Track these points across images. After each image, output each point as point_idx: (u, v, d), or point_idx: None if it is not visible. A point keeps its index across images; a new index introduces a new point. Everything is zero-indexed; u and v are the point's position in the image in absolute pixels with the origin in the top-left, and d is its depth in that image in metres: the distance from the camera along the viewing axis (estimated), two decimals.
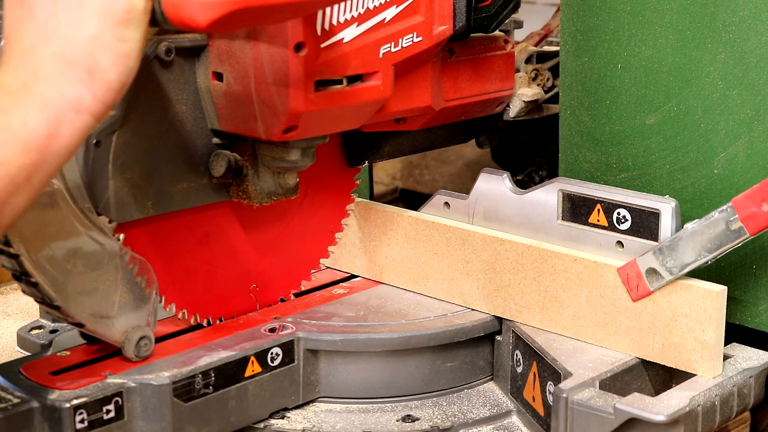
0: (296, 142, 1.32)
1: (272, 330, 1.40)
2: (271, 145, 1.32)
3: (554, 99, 1.60)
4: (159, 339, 1.39)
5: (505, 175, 1.44)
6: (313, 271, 1.53)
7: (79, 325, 1.27)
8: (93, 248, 1.24)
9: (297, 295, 1.52)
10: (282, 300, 1.50)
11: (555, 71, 1.61)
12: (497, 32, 1.53)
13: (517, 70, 1.60)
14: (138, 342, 1.29)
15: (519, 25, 1.66)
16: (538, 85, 1.62)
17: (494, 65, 1.54)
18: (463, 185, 1.50)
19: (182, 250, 1.37)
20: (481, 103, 1.55)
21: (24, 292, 1.23)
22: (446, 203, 1.49)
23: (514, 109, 1.59)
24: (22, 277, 1.21)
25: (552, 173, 1.72)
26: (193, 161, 1.32)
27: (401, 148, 1.59)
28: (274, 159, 1.33)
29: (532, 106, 1.60)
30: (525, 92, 1.58)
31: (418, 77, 1.43)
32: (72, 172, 1.22)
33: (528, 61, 1.62)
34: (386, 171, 2.29)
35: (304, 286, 1.53)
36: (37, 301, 1.25)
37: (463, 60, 1.50)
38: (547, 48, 1.69)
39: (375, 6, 1.32)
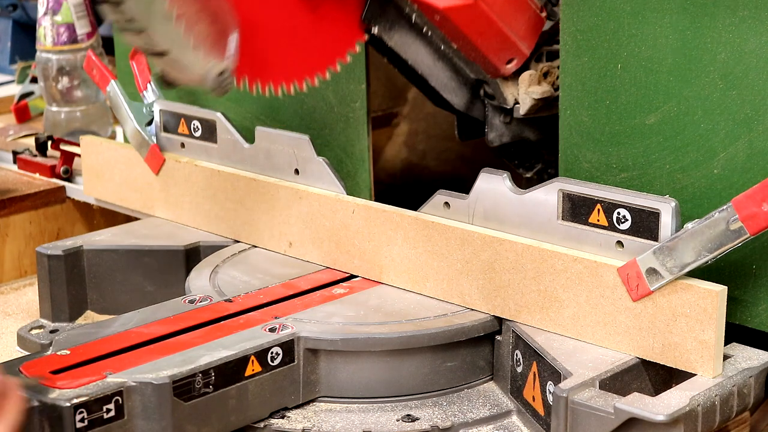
0: None
1: (272, 329, 1.40)
2: None
3: None
4: (159, 339, 1.40)
5: (505, 175, 1.44)
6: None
7: (161, 54, 1.20)
8: None
9: (297, 295, 1.52)
10: None
11: None
12: None
13: (527, 68, 1.60)
14: (221, 74, 1.23)
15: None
16: (548, 83, 1.62)
17: (527, 14, 1.55)
18: (463, 185, 1.50)
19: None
20: (498, 35, 1.54)
21: (102, 12, 1.16)
22: (446, 203, 1.49)
23: (524, 107, 1.60)
24: None
25: None
26: None
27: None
28: None
29: (542, 104, 1.61)
30: (535, 90, 1.59)
31: None
32: None
33: (538, 59, 1.63)
34: (386, 171, 2.29)
35: (304, 286, 1.54)
36: (119, 26, 1.18)
37: None
38: (557, 46, 1.69)
39: None
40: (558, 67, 1.63)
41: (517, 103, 1.61)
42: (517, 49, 1.57)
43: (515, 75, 1.61)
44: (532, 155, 1.78)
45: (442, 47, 1.57)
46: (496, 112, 1.65)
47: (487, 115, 1.65)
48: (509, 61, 1.58)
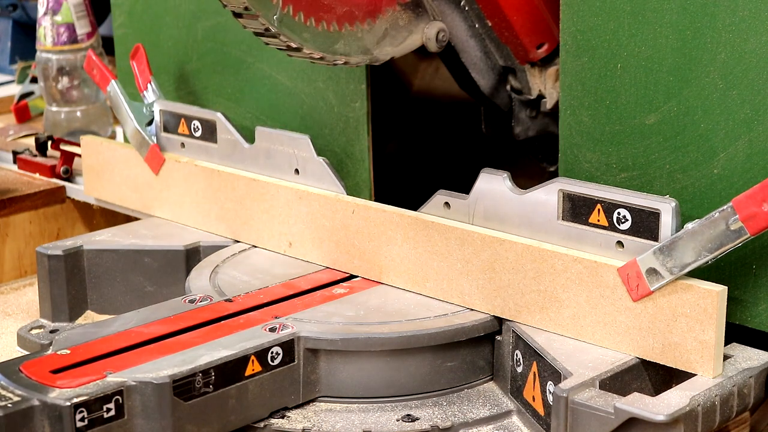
0: None
1: (272, 329, 1.40)
2: None
3: None
4: (159, 338, 1.39)
5: (505, 175, 1.44)
6: None
7: None
8: None
9: (297, 295, 1.52)
10: None
11: None
12: None
13: (554, 62, 1.61)
14: None
15: None
16: None
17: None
18: (464, 185, 1.50)
19: None
20: (534, 15, 1.55)
21: None
22: (446, 203, 1.49)
23: (551, 101, 1.61)
24: None
25: None
26: None
27: None
28: None
29: None
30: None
31: None
32: None
33: None
34: None
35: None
36: None
37: None
38: None
39: None
40: None
41: (541, 95, 1.61)
42: (550, 34, 1.57)
43: (542, 65, 1.62)
44: (556, 149, 1.79)
45: (476, 25, 1.58)
46: (523, 107, 1.66)
47: (513, 110, 1.66)
48: (540, 46, 1.58)
